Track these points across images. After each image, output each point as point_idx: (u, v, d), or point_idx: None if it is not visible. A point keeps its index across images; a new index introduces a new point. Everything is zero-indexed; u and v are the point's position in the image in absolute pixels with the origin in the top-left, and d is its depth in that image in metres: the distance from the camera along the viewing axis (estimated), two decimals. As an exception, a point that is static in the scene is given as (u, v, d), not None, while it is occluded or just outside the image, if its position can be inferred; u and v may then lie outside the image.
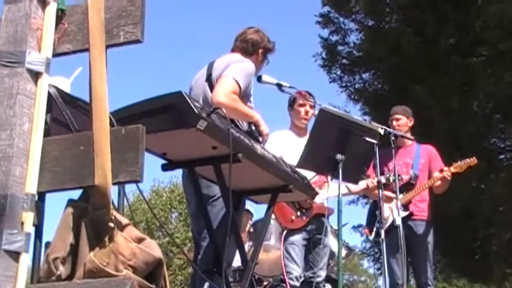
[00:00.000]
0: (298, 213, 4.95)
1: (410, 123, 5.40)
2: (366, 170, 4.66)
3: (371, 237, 5.44)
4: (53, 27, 1.89)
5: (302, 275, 4.91)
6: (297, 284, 4.85)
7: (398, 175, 4.91)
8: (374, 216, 5.40)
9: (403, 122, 5.32)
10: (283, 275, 5.16)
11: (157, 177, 26.95)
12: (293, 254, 4.87)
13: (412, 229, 5.18)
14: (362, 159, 4.15)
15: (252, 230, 5.98)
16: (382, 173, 5.08)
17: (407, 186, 5.18)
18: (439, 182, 5.21)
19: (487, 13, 8.11)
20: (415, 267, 5.31)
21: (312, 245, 4.97)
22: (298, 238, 4.92)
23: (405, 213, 5.03)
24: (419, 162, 5.37)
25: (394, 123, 5.33)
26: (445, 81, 9.06)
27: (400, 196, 5.08)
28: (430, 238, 5.32)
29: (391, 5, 10.43)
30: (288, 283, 4.86)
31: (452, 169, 5.14)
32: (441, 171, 5.18)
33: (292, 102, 5.12)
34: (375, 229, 5.32)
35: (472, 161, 5.12)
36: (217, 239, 3.16)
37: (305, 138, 4.87)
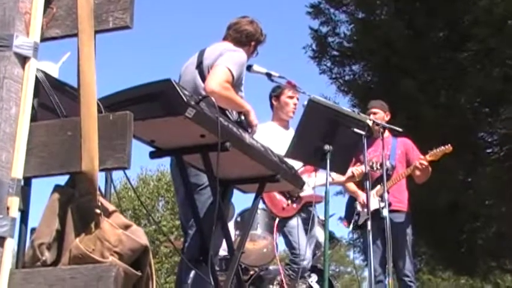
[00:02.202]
0: (289, 201, 4.98)
1: (387, 118, 5.44)
2: (353, 160, 4.68)
3: (349, 229, 5.46)
4: (42, 11, 1.88)
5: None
6: (308, 266, 4.88)
7: (376, 165, 4.94)
8: (352, 208, 5.44)
9: (380, 116, 5.34)
10: (278, 262, 5.20)
11: (144, 165, 26.94)
12: (299, 236, 4.89)
13: (391, 220, 5.20)
14: (350, 150, 4.16)
15: (239, 219, 5.99)
16: (361, 163, 5.11)
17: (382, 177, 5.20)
18: (418, 172, 5.24)
19: (476, 8, 8.13)
20: (394, 259, 5.32)
21: None
22: (297, 222, 4.95)
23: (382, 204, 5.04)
24: (396, 153, 5.41)
25: (371, 117, 5.35)
26: (434, 75, 9.09)
27: (378, 187, 5.11)
28: (409, 229, 5.35)
29: (381, -3, 10.44)
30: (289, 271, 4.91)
31: (428, 157, 5.17)
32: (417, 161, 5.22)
33: (279, 94, 5.09)
34: (353, 221, 5.35)
35: (448, 148, 5.15)
36: (204, 227, 3.16)
37: (289, 131, 4.89)
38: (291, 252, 5.02)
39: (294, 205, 4.99)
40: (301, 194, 4.99)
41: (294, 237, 4.92)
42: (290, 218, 5.00)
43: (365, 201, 4.91)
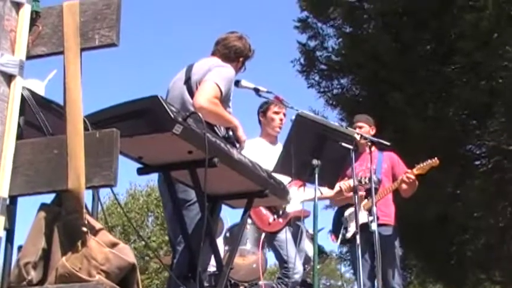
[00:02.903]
0: (275, 216, 4.98)
1: (372, 132, 5.45)
2: (341, 175, 4.68)
3: (337, 243, 5.46)
4: (27, 29, 1.88)
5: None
6: (299, 280, 4.87)
7: (364, 180, 4.95)
8: (339, 222, 5.43)
9: (365, 130, 5.35)
10: (260, 278, 5.18)
11: (133, 181, 26.84)
12: (290, 249, 4.88)
13: (379, 234, 5.20)
14: (338, 165, 4.17)
15: (228, 234, 5.97)
16: (348, 178, 5.13)
17: (370, 191, 5.21)
18: (404, 186, 5.26)
19: (462, 22, 8.20)
20: (382, 272, 5.32)
21: None
22: (287, 236, 4.94)
23: (371, 218, 5.04)
24: (382, 167, 5.42)
25: (357, 131, 5.36)
26: (422, 88, 9.14)
27: (365, 201, 5.12)
28: (397, 243, 5.36)
29: (369, 11, 10.49)
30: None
31: (415, 171, 5.18)
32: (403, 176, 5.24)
33: (265, 109, 5.12)
34: (340, 235, 5.35)
35: (434, 161, 5.17)
36: (193, 243, 3.15)
37: (277, 146, 4.90)
38: (282, 266, 5.01)
39: (280, 220, 4.99)
40: (289, 209, 5.00)
41: (284, 250, 4.91)
42: (278, 232, 4.99)
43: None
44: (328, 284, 37.65)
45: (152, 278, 24.45)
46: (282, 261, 4.97)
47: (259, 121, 5.22)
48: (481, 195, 8.95)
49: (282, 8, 43.07)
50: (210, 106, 3.43)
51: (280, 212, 4.97)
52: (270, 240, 5.09)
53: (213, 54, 3.98)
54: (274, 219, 4.99)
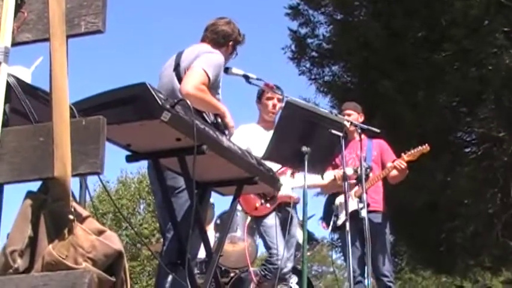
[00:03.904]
0: (263, 201, 4.98)
1: (361, 119, 5.46)
2: (331, 162, 4.69)
3: (328, 230, 5.48)
4: (12, 16, 1.86)
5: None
6: (283, 265, 4.87)
7: (356, 168, 4.97)
8: (330, 209, 5.46)
9: (353, 117, 5.36)
10: (248, 266, 5.19)
11: (124, 168, 26.81)
12: (274, 235, 4.89)
13: (369, 221, 5.23)
14: (328, 152, 4.17)
15: (218, 221, 5.99)
16: (336, 166, 5.14)
17: (360, 178, 5.22)
18: (394, 172, 5.27)
19: (453, 9, 8.18)
20: (373, 259, 5.35)
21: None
22: (273, 221, 4.94)
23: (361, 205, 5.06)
24: (372, 154, 5.44)
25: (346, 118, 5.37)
26: (413, 75, 9.13)
27: (356, 188, 5.14)
28: (387, 229, 5.39)
29: (360, -2, 10.47)
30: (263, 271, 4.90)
31: (405, 157, 5.21)
32: (394, 162, 5.25)
33: (260, 96, 5.14)
34: (331, 222, 5.37)
35: (425, 148, 5.19)
36: (182, 230, 3.15)
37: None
38: (268, 252, 5.02)
39: (268, 205, 4.99)
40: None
41: (270, 237, 4.92)
42: (265, 217, 4.99)
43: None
44: (320, 270, 37.83)
45: (144, 265, 24.48)
46: (267, 248, 4.99)
47: (258, 107, 5.24)
48: (470, 182, 8.98)
49: (274, -5, 42.94)
50: (197, 93, 3.42)
51: (269, 198, 4.97)
52: (257, 225, 5.09)
53: (203, 40, 3.97)
54: (261, 204, 4.99)
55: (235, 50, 4.04)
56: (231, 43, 3.98)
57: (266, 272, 4.95)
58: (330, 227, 5.40)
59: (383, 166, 5.42)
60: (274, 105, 5.09)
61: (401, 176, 5.35)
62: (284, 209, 4.99)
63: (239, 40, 4.03)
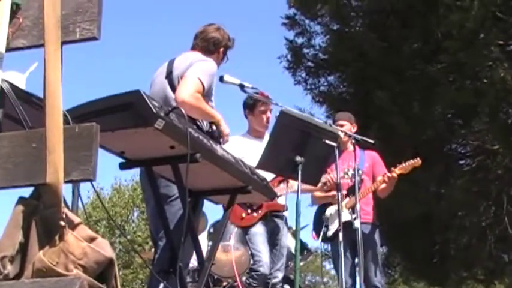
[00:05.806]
0: (249, 211, 4.97)
1: (354, 129, 5.45)
2: (324, 172, 4.68)
3: (318, 241, 5.47)
4: (7, 22, 1.86)
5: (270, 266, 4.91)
6: (267, 272, 4.85)
7: (349, 172, 4.96)
8: (320, 220, 5.45)
9: (347, 127, 5.35)
10: (235, 276, 5.17)
11: (119, 175, 26.77)
12: (258, 242, 4.88)
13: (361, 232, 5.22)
14: (321, 162, 4.18)
15: (212, 230, 5.97)
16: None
17: (352, 190, 5.22)
18: (383, 185, 5.27)
19: (448, 22, 8.22)
20: (364, 270, 5.34)
21: (270, 246, 4.99)
22: (259, 229, 4.94)
23: (354, 216, 5.05)
24: (364, 166, 5.43)
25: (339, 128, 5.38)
26: (408, 87, 9.17)
27: (347, 200, 5.14)
28: (377, 240, 5.38)
29: (356, 9, 10.51)
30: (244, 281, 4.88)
31: (397, 170, 5.20)
32: (384, 176, 5.25)
33: (252, 107, 5.10)
34: (321, 233, 5.37)
35: (417, 162, 5.19)
36: (174, 239, 3.15)
37: (265, 141, 4.90)
38: (253, 260, 5.01)
39: (254, 214, 4.98)
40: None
41: (254, 244, 4.92)
42: (251, 226, 4.99)
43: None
44: (313, 280, 37.73)
45: (137, 273, 24.41)
46: (251, 255, 4.99)
47: (246, 116, 5.22)
48: (464, 194, 9.00)
49: (270, 5, 43.07)
50: (192, 101, 3.43)
51: (255, 207, 4.96)
52: (243, 235, 5.09)
53: (193, 48, 3.98)
54: (248, 214, 4.98)
55: (226, 55, 4.06)
56: (221, 49, 4.00)
57: (251, 280, 4.94)
58: (320, 238, 5.39)
59: (373, 179, 5.41)
60: (268, 119, 5.10)
61: (389, 189, 5.34)
62: (272, 219, 4.98)
63: (229, 45, 4.05)
